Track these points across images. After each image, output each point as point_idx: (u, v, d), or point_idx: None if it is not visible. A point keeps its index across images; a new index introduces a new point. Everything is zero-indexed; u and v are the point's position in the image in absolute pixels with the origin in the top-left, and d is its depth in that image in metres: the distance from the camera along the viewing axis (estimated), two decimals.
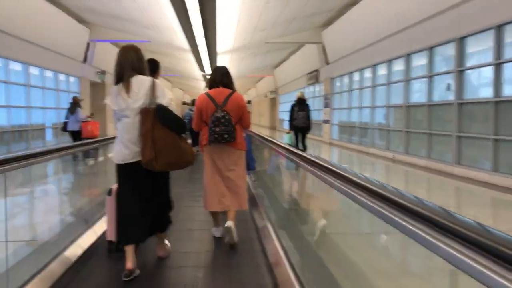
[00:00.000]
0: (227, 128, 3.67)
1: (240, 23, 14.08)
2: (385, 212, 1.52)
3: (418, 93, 10.94)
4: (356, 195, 1.84)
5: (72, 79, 16.86)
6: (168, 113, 3.06)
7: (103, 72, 19.57)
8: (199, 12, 11.76)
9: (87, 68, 17.87)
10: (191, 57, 20.06)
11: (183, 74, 29.47)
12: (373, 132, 13.69)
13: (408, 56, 11.11)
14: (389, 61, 12.27)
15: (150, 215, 3.19)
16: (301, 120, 10.51)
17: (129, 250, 3.02)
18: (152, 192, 3.20)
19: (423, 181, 9.42)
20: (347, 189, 1.99)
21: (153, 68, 3.65)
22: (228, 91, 3.87)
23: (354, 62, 14.99)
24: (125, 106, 3.02)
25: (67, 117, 10.88)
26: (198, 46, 15.70)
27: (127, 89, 3.00)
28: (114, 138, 3.40)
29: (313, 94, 21.74)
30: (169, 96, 3.17)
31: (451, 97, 9.17)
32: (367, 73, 14.17)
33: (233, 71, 4.26)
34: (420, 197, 1.43)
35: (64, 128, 10.91)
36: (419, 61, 10.80)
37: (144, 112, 2.98)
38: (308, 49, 20.13)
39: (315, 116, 20.88)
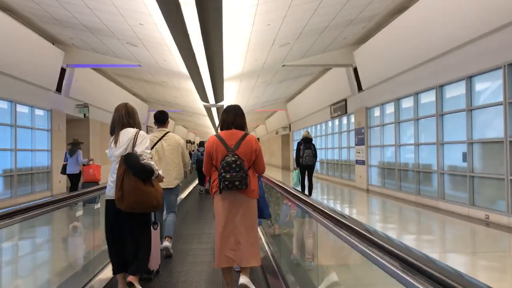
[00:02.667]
0: (239, 174, 3.35)
1: (254, 33, 10.58)
2: None
3: None
4: None
5: (40, 112, 13.28)
6: (131, 160, 3.40)
7: (85, 105, 16.06)
8: (197, 16, 8.19)
9: (61, 99, 14.33)
10: (191, 86, 16.49)
11: (185, 108, 25.98)
12: (441, 178, 9.82)
13: (508, 67, 7.47)
14: (469, 78, 8.64)
15: (124, 251, 3.51)
16: (307, 158, 10.86)
17: (119, 277, 3.56)
18: (128, 232, 3.49)
19: None
20: None
21: (163, 118, 5.19)
22: (241, 133, 3.58)
23: (404, 84, 11.38)
24: (111, 153, 3.56)
25: (65, 159, 10.59)
26: (199, 67, 12.12)
27: (116, 140, 3.55)
28: None
29: (339, 128, 17.96)
30: (146, 145, 3.52)
31: None
32: (427, 98, 10.48)
33: (240, 106, 3.81)
34: None
35: (63, 171, 10.62)
36: None
37: (121, 159, 3.43)
38: (332, 76, 16.64)
39: (344, 155, 17.23)
